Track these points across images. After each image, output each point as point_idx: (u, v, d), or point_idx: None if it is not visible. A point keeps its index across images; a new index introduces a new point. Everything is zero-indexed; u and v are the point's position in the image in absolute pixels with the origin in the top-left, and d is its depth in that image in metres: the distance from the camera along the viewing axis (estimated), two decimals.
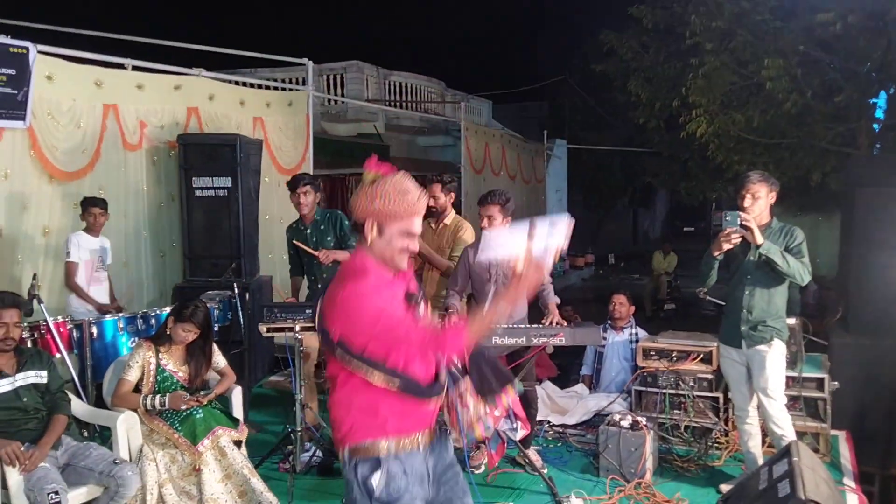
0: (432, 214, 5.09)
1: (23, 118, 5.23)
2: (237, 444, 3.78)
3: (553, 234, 2.26)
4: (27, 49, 5.21)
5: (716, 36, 9.20)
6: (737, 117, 9.31)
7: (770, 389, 3.90)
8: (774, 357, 3.90)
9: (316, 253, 4.80)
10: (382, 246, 2.29)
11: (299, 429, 4.42)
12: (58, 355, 4.14)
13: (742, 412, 4.13)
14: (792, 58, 8.65)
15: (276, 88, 9.46)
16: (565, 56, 21.49)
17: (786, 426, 3.91)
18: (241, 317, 5.35)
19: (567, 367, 6.42)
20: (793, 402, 4.47)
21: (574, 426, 5.21)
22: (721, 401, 4.79)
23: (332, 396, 2.38)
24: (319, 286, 5.00)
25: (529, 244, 2.24)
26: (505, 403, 2.49)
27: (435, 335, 2.25)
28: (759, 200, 3.90)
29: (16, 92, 5.17)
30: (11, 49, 5.15)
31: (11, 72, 5.12)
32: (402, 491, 2.30)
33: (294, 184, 4.96)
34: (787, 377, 4.23)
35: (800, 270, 3.79)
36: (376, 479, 2.28)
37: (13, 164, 5.26)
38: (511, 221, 4.33)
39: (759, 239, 3.74)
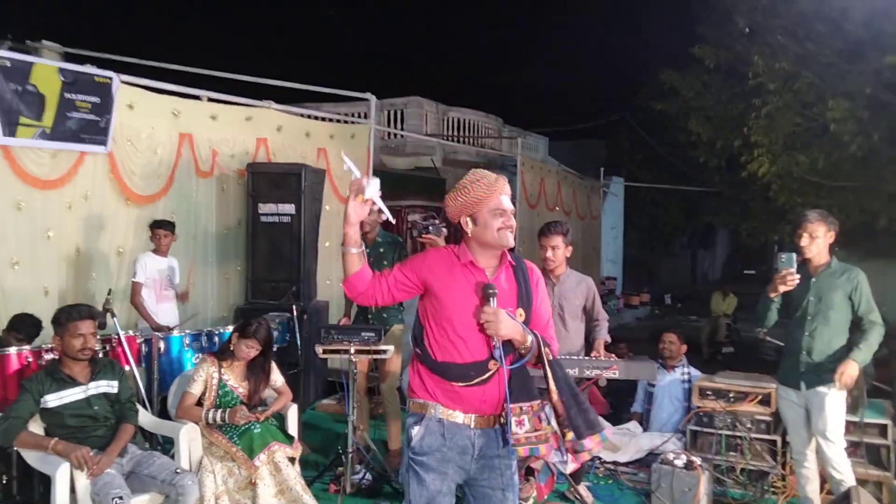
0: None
1: (104, 143, 5.56)
2: (291, 460, 3.88)
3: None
4: (111, 79, 5.56)
5: (779, 77, 9.11)
6: (800, 159, 9.15)
7: (829, 432, 3.80)
8: (834, 399, 3.81)
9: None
10: (481, 232, 2.47)
11: (350, 450, 4.49)
12: (127, 367, 4.33)
13: (800, 456, 4.02)
14: (858, 100, 8.49)
15: (339, 122, 9.76)
16: (624, 94, 21.49)
17: (845, 471, 3.79)
18: (298, 339, 5.50)
19: (618, 405, 6.35)
20: (854, 448, 4.33)
21: (626, 464, 5.14)
22: (779, 444, 4.67)
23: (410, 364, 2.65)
24: (368, 308, 5.09)
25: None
26: (589, 447, 2.51)
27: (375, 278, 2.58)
28: (817, 240, 3.84)
29: (99, 119, 5.50)
30: (97, 78, 5.50)
31: (96, 100, 5.46)
32: (433, 448, 2.48)
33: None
34: (849, 422, 4.11)
35: (877, 339, 3.76)
36: (415, 431, 2.51)
37: (94, 186, 5.57)
38: (572, 251, 4.38)
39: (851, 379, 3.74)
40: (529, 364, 2.51)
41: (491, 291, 2.42)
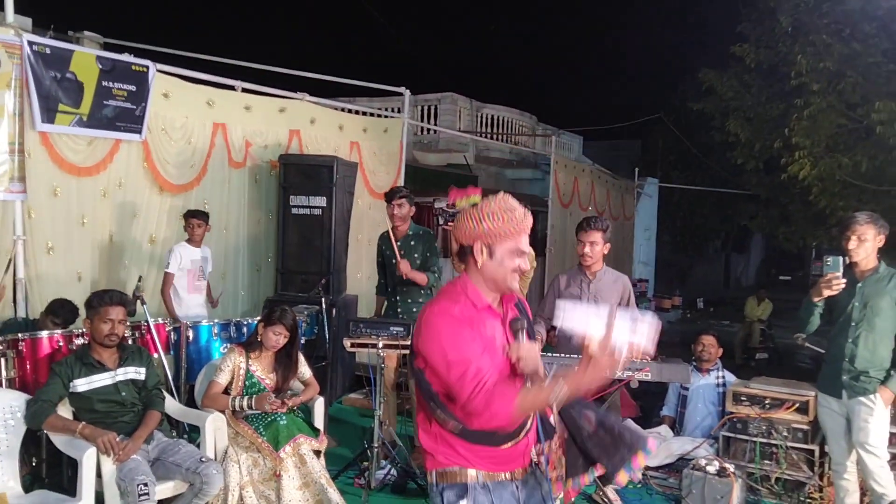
0: None
1: (139, 132, 5.59)
2: (317, 454, 3.85)
3: (636, 332, 2.06)
4: (147, 67, 5.59)
5: (823, 77, 8.87)
6: (843, 161, 8.90)
7: (871, 444, 3.66)
8: (877, 410, 3.67)
9: (398, 258, 4.85)
10: (494, 267, 2.19)
11: (376, 445, 4.45)
12: (155, 355, 4.34)
13: (839, 466, 3.89)
14: None
15: (373, 115, 9.75)
16: (660, 94, 21.21)
17: (888, 484, 3.65)
18: (326, 332, 5.47)
19: (649, 409, 6.22)
20: None
21: (656, 468, 5.02)
22: (817, 454, 4.52)
23: (418, 417, 2.32)
24: (397, 298, 5.05)
25: (609, 331, 2.02)
26: (639, 464, 2.41)
27: (488, 392, 2.06)
28: (866, 243, 3.70)
29: (134, 107, 5.53)
30: (133, 67, 5.53)
31: (132, 88, 5.50)
32: None
33: (391, 195, 5.07)
34: (892, 433, 3.97)
35: None
36: None
37: (128, 174, 5.61)
38: (609, 249, 4.28)
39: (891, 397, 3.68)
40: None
41: (519, 325, 2.21)
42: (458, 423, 2.18)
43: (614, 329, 2.02)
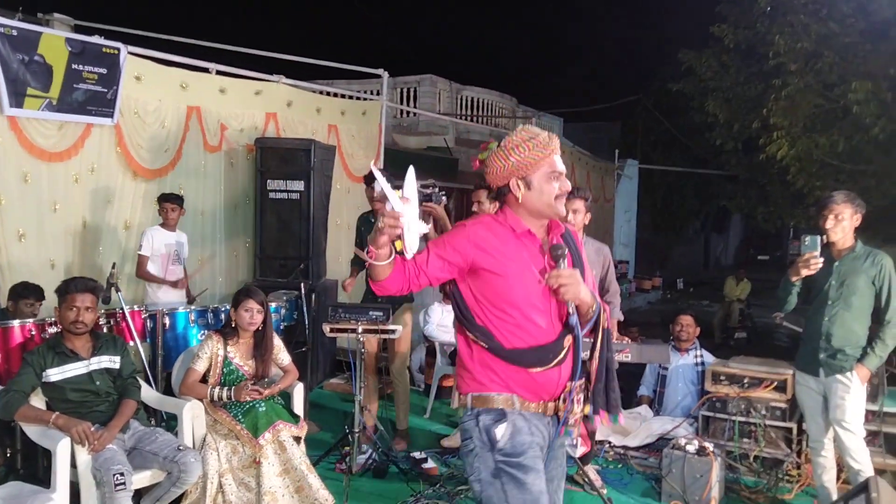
0: None
1: (111, 115, 5.47)
2: (297, 440, 3.82)
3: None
4: (118, 50, 5.47)
5: (801, 57, 8.90)
6: (820, 141, 8.95)
7: (847, 421, 3.69)
8: (854, 387, 3.70)
9: None
10: (535, 198, 2.20)
11: (357, 430, 4.43)
12: (131, 343, 4.27)
13: (817, 444, 3.92)
14: (882, 82, 8.28)
15: (351, 98, 9.66)
16: (640, 76, 21.23)
17: (864, 461, 3.69)
18: (306, 317, 5.43)
19: (627, 388, 6.25)
20: (872, 438, 4.23)
21: (636, 448, 5.06)
22: (794, 432, 4.58)
23: (458, 342, 2.36)
24: None
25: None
26: (598, 424, 2.44)
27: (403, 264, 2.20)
28: (843, 222, 3.71)
29: (105, 90, 5.41)
30: (104, 49, 5.41)
31: (103, 71, 5.37)
32: (526, 446, 2.21)
33: (370, 178, 5.01)
34: (868, 411, 4.01)
35: (893, 340, 3.67)
36: (501, 431, 2.21)
37: (100, 159, 5.50)
38: (590, 220, 4.29)
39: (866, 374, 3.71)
40: (587, 334, 2.29)
41: (560, 252, 2.19)
42: (486, 337, 2.22)
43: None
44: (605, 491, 4.25)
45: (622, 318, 4.33)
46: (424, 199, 4.17)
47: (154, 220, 5.68)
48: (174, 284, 5.40)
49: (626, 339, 4.15)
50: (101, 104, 5.38)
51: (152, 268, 5.36)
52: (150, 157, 5.85)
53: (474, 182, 4.92)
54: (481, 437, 2.23)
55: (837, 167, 9.22)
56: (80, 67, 5.21)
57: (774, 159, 9.56)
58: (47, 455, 3.56)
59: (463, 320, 2.29)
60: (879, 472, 4.02)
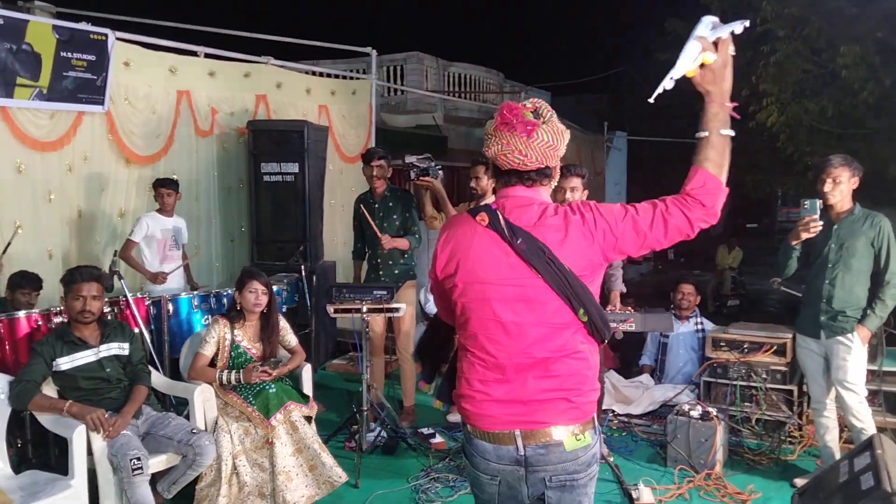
0: (473, 196, 4.80)
1: (102, 102, 5.42)
2: (308, 420, 3.85)
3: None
4: (106, 36, 5.40)
5: (788, 23, 8.88)
6: (810, 107, 8.97)
7: (849, 381, 3.77)
8: (855, 348, 3.76)
9: (379, 235, 4.81)
10: (551, 186, 2.08)
11: (365, 409, 4.47)
12: (136, 330, 4.28)
13: (819, 405, 4.00)
14: (869, 45, 8.30)
15: (338, 77, 9.58)
16: (626, 47, 21.13)
17: (866, 419, 3.76)
18: (307, 299, 5.44)
19: (629, 359, 6.33)
20: (872, 397, 4.29)
21: (639, 416, 5.13)
22: (795, 394, 4.65)
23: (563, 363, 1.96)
24: (378, 262, 5.00)
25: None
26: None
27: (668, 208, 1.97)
28: (841, 185, 3.76)
29: (95, 77, 5.36)
30: (92, 36, 5.34)
31: (91, 58, 5.31)
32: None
33: (369, 156, 5.01)
34: (867, 370, 4.08)
35: (893, 300, 3.73)
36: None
37: (93, 147, 5.45)
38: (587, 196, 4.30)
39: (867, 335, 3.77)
40: None
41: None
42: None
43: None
44: (611, 458, 4.30)
45: (624, 290, 4.37)
46: (421, 172, 4.16)
47: (149, 206, 5.65)
48: (154, 278, 5.18)
49: (630, 308, 4.19)
50: (92, 91, 5.33)
51: (149, 254, 5.31)
52: (143, 144, 5.81)
53: (470, 159, 4.92)
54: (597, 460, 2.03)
55: (827, 132, 9.26)
56: (69, 55, 5.15)
57: (764, 126, 9.58)
58: (59, 443, 3.59)
59: (598, 329, 1.99)
60: (880, 430, 4.08)
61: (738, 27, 1.99)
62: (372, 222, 4.83)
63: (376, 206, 4.99)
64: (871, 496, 2.95)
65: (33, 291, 4.50)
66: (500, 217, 1.97)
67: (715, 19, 2.01)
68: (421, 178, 4.22)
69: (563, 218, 1.95)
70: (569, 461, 1.94)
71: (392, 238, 4.81)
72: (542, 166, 1.99)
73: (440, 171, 4.24)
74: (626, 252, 1.99)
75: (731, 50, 1.99)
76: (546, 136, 1.95)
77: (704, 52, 1.98)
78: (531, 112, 1.99)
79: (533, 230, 1.94)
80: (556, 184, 2.11)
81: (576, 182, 4.25)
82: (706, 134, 2.03)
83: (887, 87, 8.32)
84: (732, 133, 2.02)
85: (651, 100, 2.16)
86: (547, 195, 2.05)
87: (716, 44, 1.99)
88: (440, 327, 2.38)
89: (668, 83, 2.06)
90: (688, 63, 2.01)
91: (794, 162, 10.28)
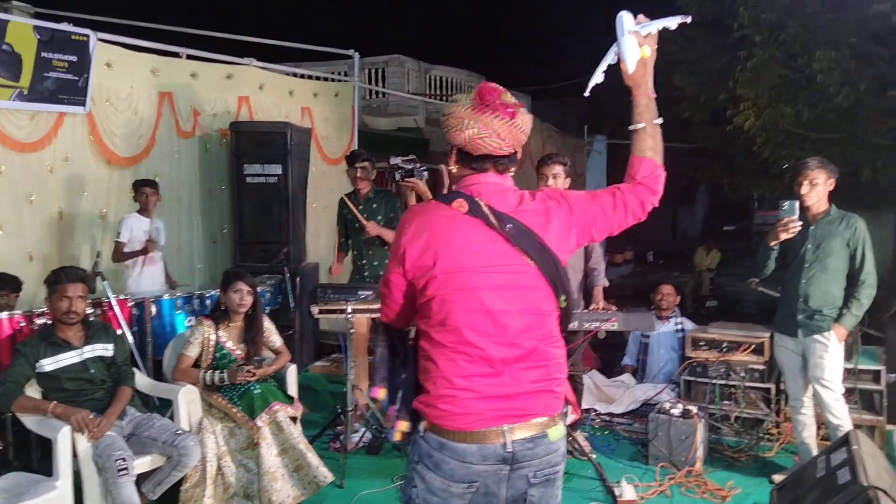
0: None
1: (83, 104, 5.40)
2: (293, 420, 3.85)
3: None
4: (87, 37, 5.38)
5: (765, 28, 9.02)
6: (786, 111, 9.13)
7: (826, 379, 3.84)
8: (831, 346, 3.84)
9: (364, 223, 4.85)
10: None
11: (350, 409, 4.48)
12: (119, 331, 4.25)
13: (797, 402, 4.07)
14: (844, 51, 8.46)
15: (320, 79, 9.58)
16: (606, 51, 21.28)
17: (843, 416, 3.85)
18: (291, 301, 5.44)
19: (610, 359, 6.40)
20: (848, 395, 4.38)
21: (621, 415, 5.20)
22: (773, 392, 4.74)
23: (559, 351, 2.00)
24: (364, 262, 5.04)
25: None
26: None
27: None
28: (818, 187, 3.84)
29: (77, 78, 5.33)
30: (73, 37, 5.32)
31: (73, 58, 5.29)
32: None
33: (353, 158, 5.06)
34: (844, 368, 4.17)
35: (868, 300, 3.80)
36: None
37: (73, 148, 5.43)
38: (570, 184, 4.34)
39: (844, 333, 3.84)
40: None
41: None
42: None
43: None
44: (594, 456, 4.36)
45: (607, 285, 4.42)
46: (406, 174, 4.19)
47: (130, 207, 5.62)
48: (144, 250, 5.28)
49: (612, 307, 4.24)
50: (73, 92, 5.30)
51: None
52: (124, 145, 5.79)
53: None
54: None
55: (802, 136, 9.41)
56: (50, 55, 5.12)
57: (740, 131, 9.72)
58: (42, 445, 3.56)
59: (568, 317, 2.04)
60: (856, 426, 4.18)
61: (673, 23, 2.10)
62: (356, 212, 4.87)
63: (360, 207, 5.02)
64: (847, 490, 3.02)
65: (12, 293, 4.47)
66: (482, 203, 1.93)
67: (631, 14, 2.14)
68: (406, 179, 4.23)
69: (542, 203, 1.98)
70: (552, 453, 1.95)
71: (377, 227, 4.86)
72: (513, 152, 1.99)
73: (425, 173, 4.26)
74: (593, 236, 2.07)
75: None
76: (523, 121, 1.97)
77: (643, 46, 2.10)
78: (510, 94, 2.01)
79: (516, 216, 1.92)
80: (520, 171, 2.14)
81: (558, 169, 4.28)
82: (642, 125, 2.14)
83: (861, 92, 8.49)
84: (661, 120, 2.14)
85: (586, 94, 2.25)
86: (513, 182, 2.03)
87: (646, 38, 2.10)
88: (398, 344, 2.13)
89: (598, 76, 2.19)
90: (634, 55, 2.12)
91: (770, 165, 10.44)
